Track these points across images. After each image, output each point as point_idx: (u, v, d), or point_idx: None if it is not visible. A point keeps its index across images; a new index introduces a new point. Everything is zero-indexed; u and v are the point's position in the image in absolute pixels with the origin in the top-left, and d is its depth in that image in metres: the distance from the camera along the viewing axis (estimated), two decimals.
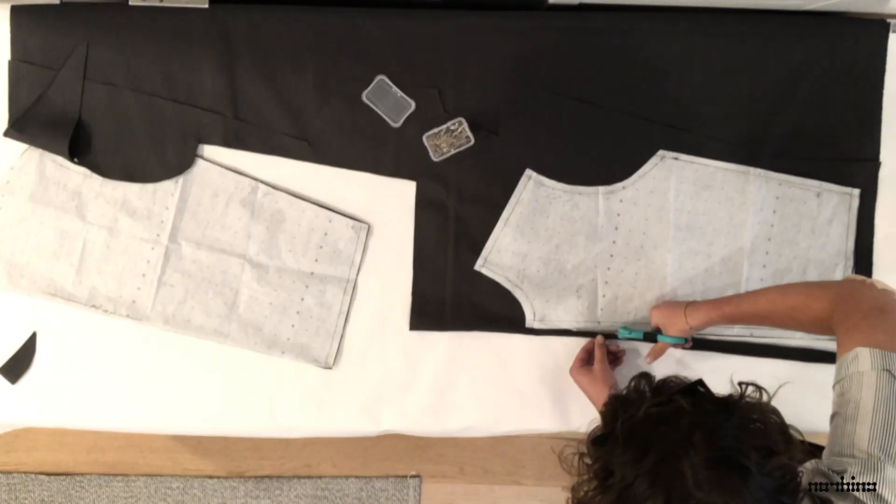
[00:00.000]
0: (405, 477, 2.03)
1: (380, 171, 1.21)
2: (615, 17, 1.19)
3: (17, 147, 1.20)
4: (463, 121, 1.18)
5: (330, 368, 1.21)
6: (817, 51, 1.20)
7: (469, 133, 1.18)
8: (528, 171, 1.19)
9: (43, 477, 2.02)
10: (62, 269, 1.20)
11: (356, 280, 1.21)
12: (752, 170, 1.20)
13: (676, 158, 1.20)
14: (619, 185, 1.20)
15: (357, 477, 2.03)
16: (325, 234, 1.21)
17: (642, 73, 1.20)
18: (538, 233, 1.20)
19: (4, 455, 2.04)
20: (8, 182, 1.20)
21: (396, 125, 1.20)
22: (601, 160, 1.20)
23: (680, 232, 1.20)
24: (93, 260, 1.20)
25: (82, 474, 2.03)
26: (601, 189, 1.20)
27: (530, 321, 1.21)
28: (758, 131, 1.21)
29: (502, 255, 1.20)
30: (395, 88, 1.19)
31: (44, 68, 1.18)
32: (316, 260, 1.21)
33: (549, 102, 1.19)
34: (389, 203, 1.21)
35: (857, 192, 1.21)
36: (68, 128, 1.18)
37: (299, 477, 2.03)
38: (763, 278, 1.21)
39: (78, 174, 1.20)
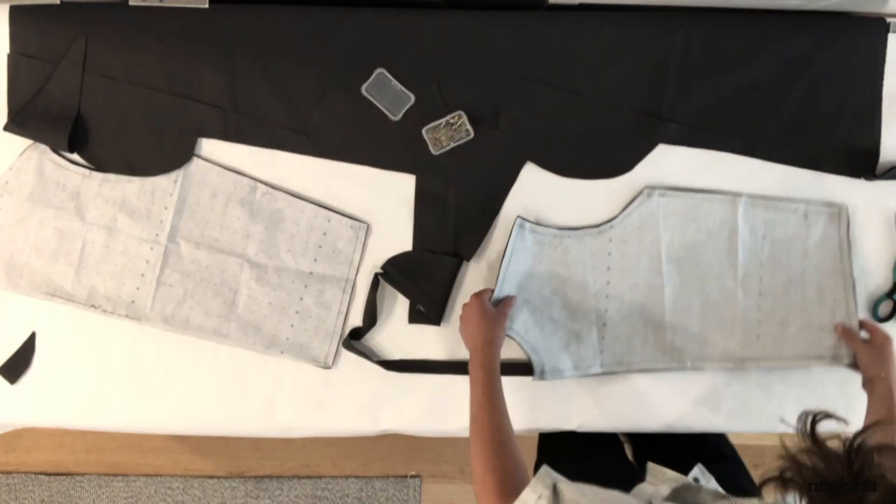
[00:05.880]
0: (405, 477, 2.03)
1: (379, 164, 1.20)
2: (615, 16, 1.19)
3: (16, 147, 1.20)
4: (462, 114, 1.17)
5: (329, 368, 1.21)
6: (817, 50, 1.20)
7: (469, 126, 1.18)
8: (520, 220, 1.18)
9: (43, 477, 2.02)
10: (61, 269, 1.20)
11: (355, 280, 1.21)
12: (738, 199, 1.19)
13: (663, 195, 1.19)
14: (606, 225, 1.19)
15: (357, 477, 2.03)
16: (324, 233, 1.21)
17: (642, 69, 1.19)
18: (532, 282, 1.18)
19: (4, 455, 2.04)
20: (7, 182, 1.20)
21: (396, 118, 1.19)
22: (600, 153, 1.20)
23: (672, 265, 1.19)
24: (92, 260, 1.20)
25: (82, 474, 2.03)
26: (590, 231, 1.19)
27: (538, 377, 1.19)
28: (758, 128, 1.21)
29: None
30: (394, 82, 1.18)
31: (43, 62, 1.18)
32: (315, 260, 1.21)
33: (549, 96, 1.19)
34: (389, 197, 1.21)
35: (845, 206, 1.21)
36: (68, 121, 1.17)
37: (299, 477, 2.03)
38: (760, 306, 1.20)
39: (77, 174, 1.20)
